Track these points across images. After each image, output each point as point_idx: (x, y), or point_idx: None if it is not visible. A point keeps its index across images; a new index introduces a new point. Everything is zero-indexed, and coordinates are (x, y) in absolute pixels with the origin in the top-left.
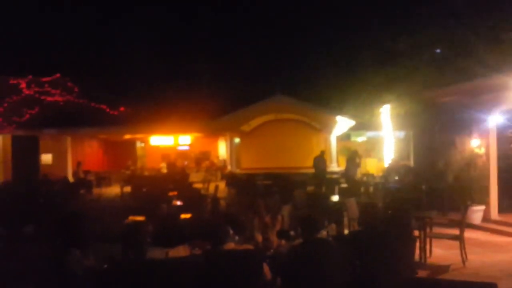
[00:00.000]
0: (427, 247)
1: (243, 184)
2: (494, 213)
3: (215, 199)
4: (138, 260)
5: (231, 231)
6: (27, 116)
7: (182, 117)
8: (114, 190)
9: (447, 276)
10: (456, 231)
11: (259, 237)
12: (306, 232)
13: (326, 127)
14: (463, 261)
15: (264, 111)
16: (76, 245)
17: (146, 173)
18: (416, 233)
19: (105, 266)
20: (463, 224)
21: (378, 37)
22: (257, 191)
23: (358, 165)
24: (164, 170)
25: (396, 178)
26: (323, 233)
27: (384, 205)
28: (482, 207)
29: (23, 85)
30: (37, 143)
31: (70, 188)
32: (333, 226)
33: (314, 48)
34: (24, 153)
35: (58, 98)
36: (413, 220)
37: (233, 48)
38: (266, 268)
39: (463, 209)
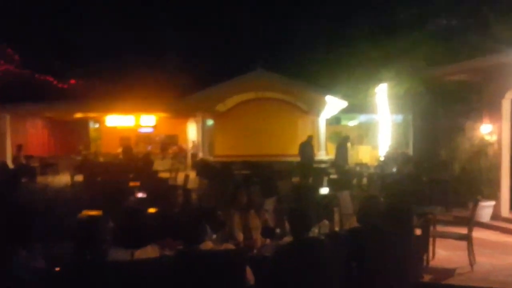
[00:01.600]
0: (430, 247)
1: (218, 174)
2: (505, 210)
3: (186, 190)
4: (96, 262)
5: (208, 229)
6: None
7: (145, 94)
8: (63, 178)
9: (452, 281)
10: (462, 230)
11: (240, 236)
12: (295, 230)
13: (314, 109)
14: (471, 264)
15: (243, 89)
16: (21, 244)
17: (101, 159)
18: (418, 231)
19: (57, 268)
20: (472, 222)
21: (374, 5)
22: (235, 182)
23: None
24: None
25: (394, 168)
26: (314, 230)
27: (382, 199)
28: (492, 203)
29: None
30: None
31: (9, 176)
32: (325, 222)
33: (302, 17)
34: None
35: None
36: (414, 217)
37: (207, 16)
38: (248, 271)
39: (472, 204)
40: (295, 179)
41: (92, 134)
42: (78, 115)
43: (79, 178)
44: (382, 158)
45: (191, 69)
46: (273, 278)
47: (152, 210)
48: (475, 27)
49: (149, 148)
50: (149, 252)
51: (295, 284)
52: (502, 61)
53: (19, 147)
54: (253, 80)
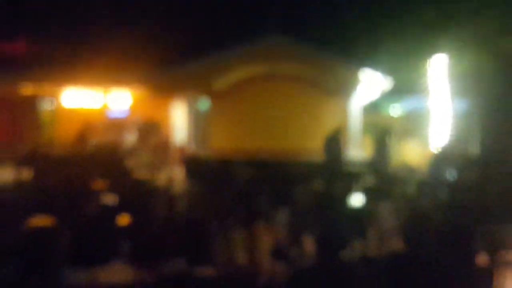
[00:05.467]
0: (498, 280)
1: (214, 175)
2: None
3: (170, 197)
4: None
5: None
6: None
7: (116, 59)
8: (4, 175)
9: None
10: None
11: (243, 258)
12: (323, 253)
13: (345, 89)
14: None
15: (251, 60)
16: None
17: (56, 151)
18: (482, 259)
19: None
20: None
21: None
22: (237, 186)
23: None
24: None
25: (450, 173)
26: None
27: (436, 215)
28: None
29: None
30: None
31: None
32: (356, 244)
33: None
34: None
35: None
36: (478, 239)
37: None
38: None
39: None
40: (317, 185)
41: (45, 117)
42: (26, 89)
43: (27, 174)
44: (432, 160)
45: (182, 28)
46: None
47: (123, 220)
48: None
49: (122, 138)
50: (117, 272)
51: None
52: None
53: None
54: (263, 48)
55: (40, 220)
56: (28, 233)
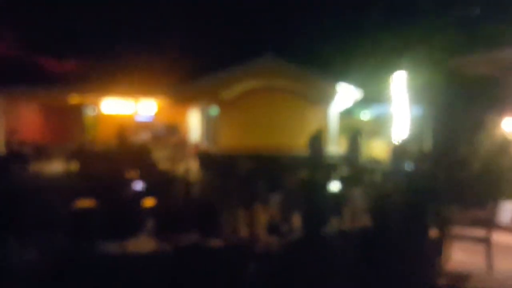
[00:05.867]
0: (445, 250)
1: (222, 167)
2: None
3: (187, 183)
4: (91, 254)
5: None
6: None
7: (145, 76)
8: (56, 166)
9: (468, 286)
10: (481, 232)
11: (244, 232)
12: (302, 226)
13: (325, 99)
14: (488, 269)
15: (250, 75)
16: (10, 233)
17: (97, 148)
18: (433, 232)
19: (50, 260)
20: (491, 223)
21: None
22: (239, 175)
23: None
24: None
25: (405, 164)
26: (322, 228)
27: (397, 197)
28: None
29: None
30: None
31: (1, 161)
32: (333, 220)
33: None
34: None
35: None
36: (430, 217)
37: None
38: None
39: (491, 205)
40: (303, 174)
41: (88, 121)
42: (74, 99)
43: (73, 166)
44: (393, 154)
45: (196, 52)
46: (279, 275)
47: (149, 201)
48: (499, 16)
49: (148, 137)
50: (143, 244)
51: (301, 282)
52: None
53: (12, 132)
54: (261, 66)
55: (84, 202)
56: (75, 212)
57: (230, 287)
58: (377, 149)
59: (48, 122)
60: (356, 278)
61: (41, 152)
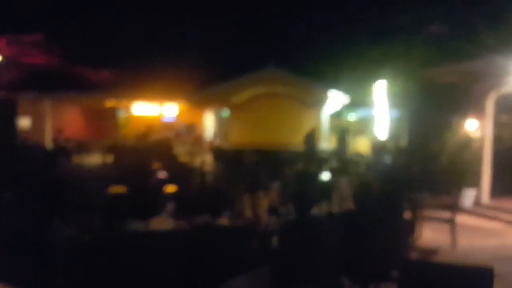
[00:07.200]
0: (418, 229)
1: (231, 159)
2: (486, 197)
3: (203, 173)
4: (122, 231)
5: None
6: (6, 77)
7: (168, 84)
8: (94, 159)
9: (436, 259)
10: (447, 215)
11: (249, 213)
12: (298, 209)
13: (318, 103)
14: (453, 245)
15: (255, 83)
16: (55, 214)
17: (128, 144)
18: (407, 215)
19: (87, 237)
20: (455, 207)
21: (376, 10)
22: (246, 166)
23: (347, 144)
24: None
25: (384, 158)
26: (315, 211)
27: (377, 185)
28: (474, 192)
29: (2, 44)
30: (15, 106)
31: (48, 155)
32: (324, 204)
33: (309, 18)
34: (1, 116)
35: (39, 60)
36: (404, 202)
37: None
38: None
39: (456, 192)
40: (299, 166)
41: (121, 121)
42: (109, 103)
43: (108, 159)
44: (375, 149)
45: (211, 64)
46: (278, 251)
47: (171, 188)
48: (464, 35)
49: (171, 134)
50: (164, 223)
51: (297, 256)
52: (487, 66)
53: (59, 131)
54: (265, 75)
55: (117, 188)
56: (109, 196)
57: (236, 259)
58: (361, 145)
59: (88, 122)
60: (342, 252)
61: (82, 147)
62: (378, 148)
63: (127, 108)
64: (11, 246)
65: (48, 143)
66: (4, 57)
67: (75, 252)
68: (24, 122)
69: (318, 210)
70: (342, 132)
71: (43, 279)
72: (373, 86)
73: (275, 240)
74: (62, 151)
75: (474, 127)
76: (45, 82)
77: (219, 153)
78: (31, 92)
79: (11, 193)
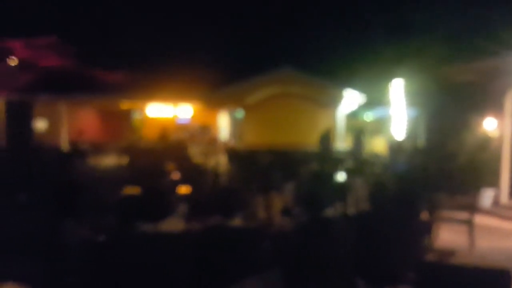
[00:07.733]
0: (435, 230)
1: (246, 160)
2: (505, 198)
3: (216, 174)
4: (134, 232)
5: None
6: (22, 80)
7: (183, 85)
8: (109, 160)
9: (453, 261)
10: (465, 215)
11: (262, 214)
12: (312, 210)
13: (333, 103)
14: (471, 247)
15: (270, 83)
16: (69, 214)
17: (143, 145)
18: (424, 215)
19: (101, 237)
20: (473, 208)
21: (391, 8)
22: (260, 167)
23: (363, 144)
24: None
25: (401, 158)
26: (329, 211)
27: (393, 186)
28: (493, 191)
29: (18, 47)
30: (31, 108)
31: (64, 156)
32: (338, 205)
33: (323, 18)
34: (18, 119)
35: (54, 62)
36: (421, 202)
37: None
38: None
39: (474, 192)
40: (314, 166)
41: (136, 123)
42: (124, 105)
43: (123, 160)
44: (391, 149)
45: (225, 64)
46: (291, 252)
47: (186, 189)
48: (482, 32)
49: (185, 135)
50: (176, 224)
51: (310, 258)
52: (505, 63)
53: (80, 132)
54: (279, 75)
55: (131, 189)
56: (123, 197)
57: (249, 260)
58: (378, 145)
59: (103, 124)
60: (357, 253)
61: (97, 148)
62: (395, 148)
63: (142, 110)
64: (25, 246)
65: (64, 145)
66: (19, 60)
67: (88, 253)
68: (40, 124)
69: (333, 211)
70: (358, 132)
71: (56, 279)
72: (389, 85)
73: (288, 242)
74: (78, 152)
75: (493, 126)
76: (60, 84)
77: (233, 154)
78: (47, 94)
79: (27, 194)
